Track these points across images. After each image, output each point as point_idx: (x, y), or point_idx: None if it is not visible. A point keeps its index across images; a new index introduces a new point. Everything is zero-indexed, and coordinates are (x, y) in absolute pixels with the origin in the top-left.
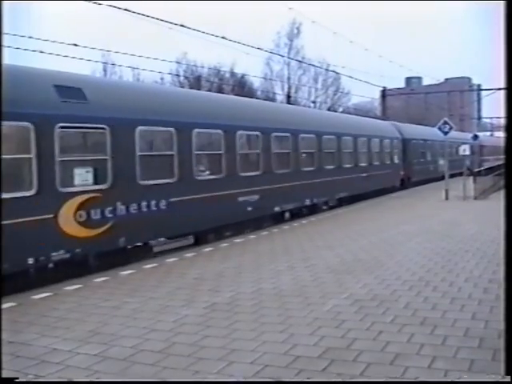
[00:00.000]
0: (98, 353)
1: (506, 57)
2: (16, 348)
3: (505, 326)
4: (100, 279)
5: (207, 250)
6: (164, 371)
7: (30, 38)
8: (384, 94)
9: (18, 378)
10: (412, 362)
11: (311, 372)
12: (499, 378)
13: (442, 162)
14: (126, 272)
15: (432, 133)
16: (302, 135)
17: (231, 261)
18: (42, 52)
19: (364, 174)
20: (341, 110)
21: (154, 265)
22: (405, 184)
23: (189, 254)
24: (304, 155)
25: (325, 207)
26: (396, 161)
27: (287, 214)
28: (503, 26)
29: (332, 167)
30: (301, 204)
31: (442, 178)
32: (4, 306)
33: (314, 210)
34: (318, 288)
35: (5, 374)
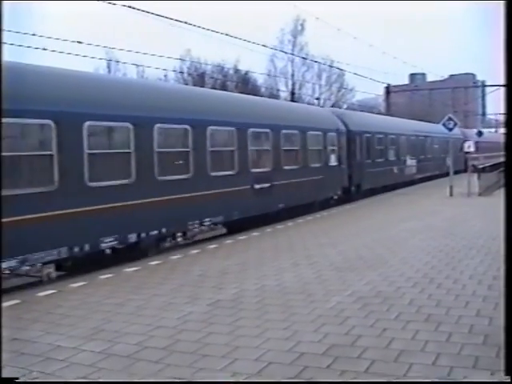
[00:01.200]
0: (103, 350)
1: (506, 56)
2: (21, 345)
3: (505, 326)
4: (104, 276)
5: (211, 246)
6: (168, 368)
7: (34, 35)
8: (388, 90)
9: (18, 378)
10: (416, 358)
11: (315, 369)
12: (499, 378)
13: (410, 162)
14: (130, 269)
15: (398, 125)
16: None
17: (235, 258)
18: (45, 49)
19: (263, 186)
20: (345, 106)
21: (158, 262)
22: (352, 193)
23: (193, 251)
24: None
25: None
26: (333, 162)
27: None
28: (503, 26)
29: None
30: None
31: (412, 183)
32: (8, 303)
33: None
34: (322, 285)
35: (10, 372)
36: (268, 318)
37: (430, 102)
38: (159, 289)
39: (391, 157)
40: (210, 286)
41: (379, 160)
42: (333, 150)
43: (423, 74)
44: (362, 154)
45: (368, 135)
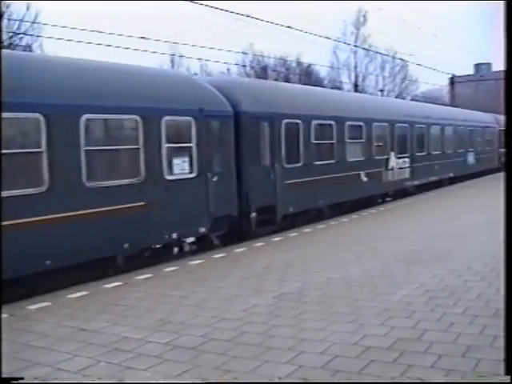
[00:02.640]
0: (168, 341)
1: (506, 57)
2: (88, 335)
3: (505, 327)
4: (169, 269)
5: (275, 239)
6: (234, 360)
7: (97, 31)
8: (452, 81)
9: (22, 379)
10: (485, 354)
11: (381, 363)
12: (499, 379)
13: (396, 162)
14: (194, 262)
15: (371, 105)
16: None
17: (299, 250)
18: (109, 45)
19: None
20: (409, 98)
21: (222, 254)
22: (249, 226)
23: (257, 244)
24: None
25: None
26: (189, 171)
27: None
28: (503, 26)
29: None
30: None
31: (404, 193)
32: (76, 294)
33: None
34: (387, 278)
35: (78, 362)
36: (333, 311)
37: (497, 92)
38: (223, 281)
39: (353, 155)
40: (275, 278)
41: (320, 162)
42: (179, 148)
43: (488, 64)
44: (275, 153)
45: (290, 121)
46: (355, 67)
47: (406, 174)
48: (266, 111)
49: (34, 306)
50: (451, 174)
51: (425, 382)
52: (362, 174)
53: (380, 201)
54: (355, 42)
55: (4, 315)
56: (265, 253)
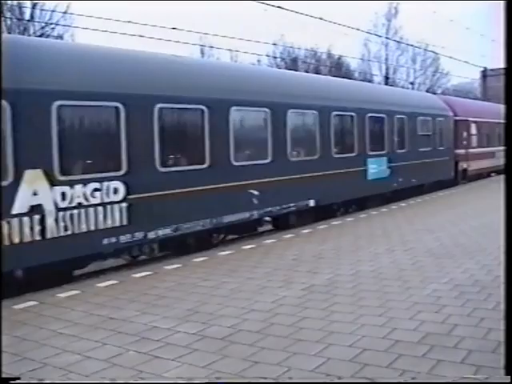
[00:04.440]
0: (197, 331)
1: (507, 57)
2: (117, 324)
3: (505, 327)
4: (199, 259)
5: (305, 231)
6: (262, 352)
7: (130, 22)
8: (484, 74)
9: (19, 379)
10: None
11: (410, 358)
12: (499, 379)
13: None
14: (224, 252)
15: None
16: None
17: (329, 243)
18: (141, 36)
19: None
20: (440, 91)
21: (252, 246)
22: None
23: (287, 236)
24: None
25: None
26: None
27: None
28: (503, 26)
29: None
30: None
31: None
32: (106, 283)
33: None
34: (418, 272)
35: (107, 350)
36: (363, 304)
37: None
38: (253, 272)
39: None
40: (304, 270)
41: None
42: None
43: None
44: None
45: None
46: (386, 59)
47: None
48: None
49: (64, 294)
50: (311, 203)
51: (423, 382)
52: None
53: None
54: (386, 33)
55: (34, 303)
56: (295, 245)
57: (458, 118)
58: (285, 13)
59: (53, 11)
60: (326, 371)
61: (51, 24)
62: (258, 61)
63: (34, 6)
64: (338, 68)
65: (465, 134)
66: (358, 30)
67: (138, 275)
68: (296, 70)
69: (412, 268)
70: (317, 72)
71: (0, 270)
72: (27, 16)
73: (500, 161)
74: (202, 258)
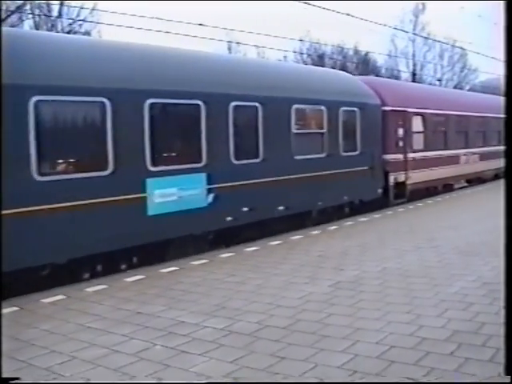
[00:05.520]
0: (224, 327)
1: (507, 57)
2: (144, 319)
3: (505, 327)
4: (225, 255)
5: (331, 228)
6: (289, 348)
7: (158, 18)
8: None
9: (19, 379)
10: None
11: (438, 355)
12: (499, 379)
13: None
14: (250, 248)
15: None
16: None
17: (355, 239)
18: (167, 32)
19: None
20: (467, 88)
21: (278, 242)
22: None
23: (313, 232)
24: None
25: None
26: None
27: None
28: (503, 26)
29: None
30: None
31: None
32: (132, 278)
33: None
34: (445, 269)
35: (135, 344)
36: (389, 301)
37: None
38: (279, 268)
39: None
40: (330, 266)
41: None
42: None
43: None
44: None
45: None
46: (413, 56)
47: None
48: None
49: (91, 288)
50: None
51: (423, 382)
52: None
53: None
54: (414, 29)
55: (61, 297)
56: (320, 241)
57: (388, 107)
58: (311, 9)
59: (81, 8)
60: (353, 368)
61: (78, 21)
62: (285, 57)
63: (61, 3)
64: (365, 64)
65: (401, 131)
66: (384, 25)
67: (164, 270)
68: (322, 66)
69: (438, 265)
70: (343, 68)
71: (0, 270)
72: (55, 13)
73: (474, 167)
74: (227, 254)
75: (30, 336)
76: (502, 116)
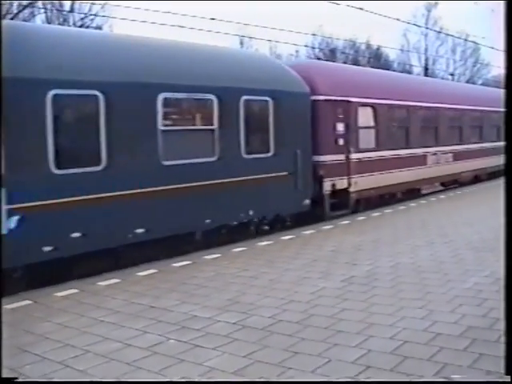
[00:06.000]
0: (237, 321)
1: (507, 57)
2: (157, 313)
3: (505, 327)
4: (237, 249)
5: (344, 223)
6: (302, 342)
7: (168, 13)
8: None
9: (17, 378)
10: None
11: (451, 351)
12: (499, 378)
13: None
14: (262, 243)
15: None
16: None
17: (368, 234)
18: (182, 27)
19: None
20: (480, 82)
21: (291, 236)
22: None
23: (325, 227)
24: None
25: None
26: None
27: None
28: (503, 26)
29: None
30: None
31: None
32: (145, 272)
33: None
34: (458, 265)
35: (149, 338)
36: (403, 297)
37: None
38: (292, 263)
39: None
40: (343, 261)
41: None
42: None
43: None
44: None
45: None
46: (426, 50)
47: None
48: None
49: (104, 282)
50: None
51: (422, 382)
52: None
53: None
54: (426, 24)
55: (75, 290)
56: (333, 236)
57: (321, 97)
58: (324, 4)
59: (92, 3)
60: (367, 363)
61: (90, 15)
62: (297, 51)
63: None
64: (377, 59)
65: (341, 126)
66: (397, 20)
67: (177, 264)
68: (334, 61)
69: (452, 261)
70: (355, 63)
71: (0, 270)
72: (67, 7)
73: (447, 168)
74: (240, 249)
75: (44, 330)
76: (485, 108)
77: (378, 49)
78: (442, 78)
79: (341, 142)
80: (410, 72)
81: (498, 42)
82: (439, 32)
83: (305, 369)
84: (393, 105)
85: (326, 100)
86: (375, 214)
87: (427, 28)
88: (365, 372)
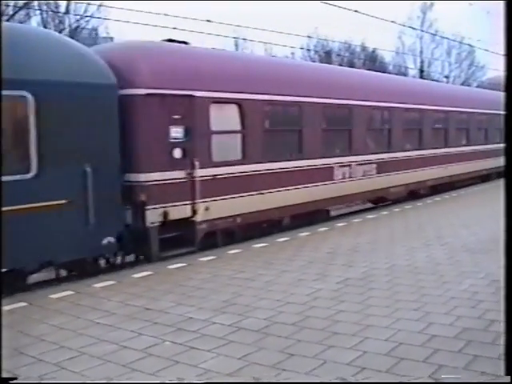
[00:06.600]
0: (233, 323)
1: (507, 57)
2: (153, 315)
3: (505, 327)
4: (233, 251)
5: (340, 225)
6: (298, 344)
7: (165, 15)
8: None
9: (16, 379)
10: None
11: (447, 352)
12: (499, 379)
13: None
14: (258, 245)
15: None
16: None
17: (364, 236)
18: (175, 28)
19: None
20: (475, 85)
21: (287, 238)
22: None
23: (321, 229)
24: None
25: None
26: None
27: None
28: (503, 26)
29: None
30: None
31: None
32: (141, 274)
33: None
34: (454, 266)
35: (145, 340)
36: (398, 298)
37: None
38: (288, 265)
39: None
40: (340, 263)
41: None
42: None
43: None
44: None
45: None
46: (421, 52)
47: None
48: None
49: (100, 284)
50: None
51: (422, 382)
52: None
53: None
54: (421, 26)
55: (70, 292)
56: (330, 238)
57: (141, 90)
58: (319, 6)
59: (88, 3)
60: (362, 365)
61: (86, 17)
62: (292, 53)
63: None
64: (372, 61)
65: (179, 131)
66: (392, 22)
67: (173, 266)
68: (329, 63)
69: (448, 262)
70: (351, 65)
71: (0, 270)
72: (63, 9)
73: (367, 183)
74: (236, 250)
75: (40, 331)
76: (424, 107)
77: (373, 51)
78: (437, 81)
79: (178, 153)
80: (405, 74)
81: (492, 45)
82: (434, 34)
83: (300, 370)
84: (274, 101)
85: (149, 94)
86: (371, 216)
87: (422, 30)
88: (360, 373)
